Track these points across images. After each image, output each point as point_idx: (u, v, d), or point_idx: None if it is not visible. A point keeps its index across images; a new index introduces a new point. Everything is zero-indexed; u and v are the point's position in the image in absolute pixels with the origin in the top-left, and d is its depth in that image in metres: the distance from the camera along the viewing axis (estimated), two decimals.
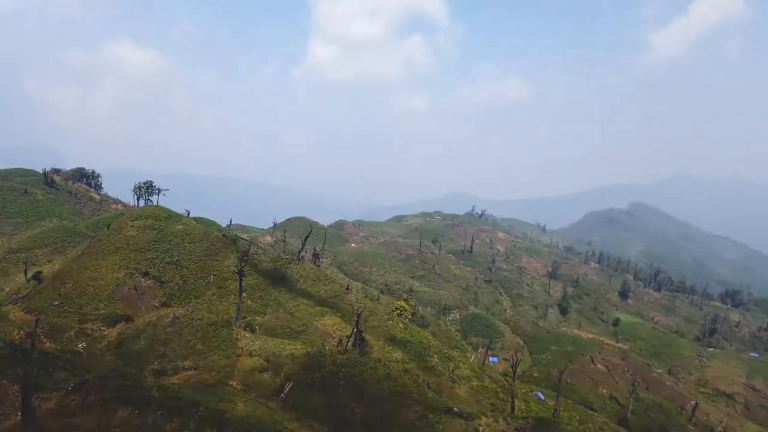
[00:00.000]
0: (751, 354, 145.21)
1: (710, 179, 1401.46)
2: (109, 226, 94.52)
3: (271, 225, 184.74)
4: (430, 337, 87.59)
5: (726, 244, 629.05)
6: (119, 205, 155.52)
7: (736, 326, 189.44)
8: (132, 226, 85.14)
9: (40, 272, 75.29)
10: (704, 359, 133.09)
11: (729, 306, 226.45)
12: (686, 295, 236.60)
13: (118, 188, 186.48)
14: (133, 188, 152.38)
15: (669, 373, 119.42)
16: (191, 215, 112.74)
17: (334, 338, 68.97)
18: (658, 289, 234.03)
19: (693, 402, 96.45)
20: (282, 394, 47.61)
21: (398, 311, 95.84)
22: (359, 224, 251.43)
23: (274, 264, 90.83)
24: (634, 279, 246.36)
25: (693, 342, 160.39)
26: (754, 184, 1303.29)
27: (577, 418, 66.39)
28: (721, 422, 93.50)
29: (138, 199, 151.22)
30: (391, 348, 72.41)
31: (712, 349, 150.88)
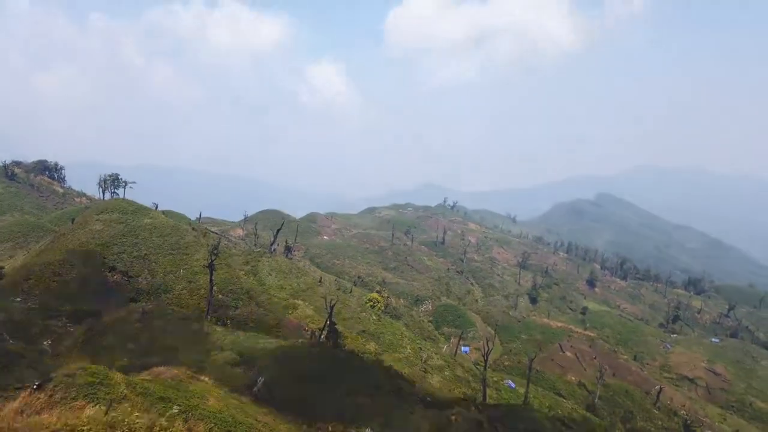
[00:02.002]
0: (712, 339, 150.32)
1: (672, 170, 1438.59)
2: (73, 220, 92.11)
3: (242, 218, 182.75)
4: (403, 329, 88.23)
5: (688, 233, 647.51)
6: (84, 198, 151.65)
7: (698, 313, 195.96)
8: (98, 219, 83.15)
9: (1, 268, 72.94)
10: (668, 345, 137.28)
11: (691, 293, 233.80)
12: (651, 283, 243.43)
13: (82, 181, 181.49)
14: (98, 181, 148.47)
15: (635, 359, 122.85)
16: (159, 208, 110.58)
17: (307, 331, 68.85)
18: (624, 278, 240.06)
19: (657, 387, 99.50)
20: (255, 388, 47.33)
21: (371, 303, 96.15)
22: (331, 216, 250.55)
23: (245, 257, 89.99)
24: (601, 268, 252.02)
25: (657, 328, 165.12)
26: (715, 175, 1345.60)
27: (547, 404, 67.93)
28: (684, 405, 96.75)
29: (103, 192, 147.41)
30: (364, 340, 72.75)
31: (675, 335, 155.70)
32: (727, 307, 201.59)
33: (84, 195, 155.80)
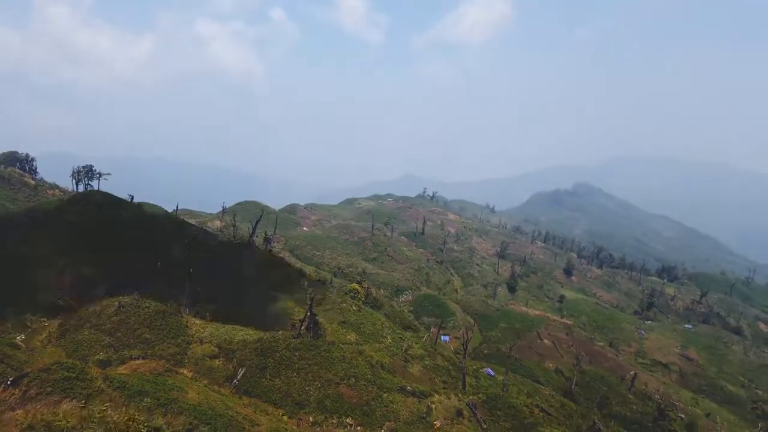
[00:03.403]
0: (686, 326, 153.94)
1: (649, 160, 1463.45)
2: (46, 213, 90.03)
3: (220, 209, 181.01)
4: (383, 319, 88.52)
5: (663, 222, 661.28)
6: (57, 190, 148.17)
7: (672, 300, 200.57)
8: (72, 212, 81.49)
9: None
10: (642, 332, 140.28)
11: (665, 281, 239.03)
12: (626, 271, 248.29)
13: (55, 173, 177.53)
14: (71, 173, 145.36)
15: (610, 345, 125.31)
16: (135, 200, 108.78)
17: (288, 322, 68.66)
18: (600, 266, 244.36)
19: (632, 372, 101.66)
20: (235, 380, 47.21)
21: (351, 294, 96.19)
22: (311, 207, 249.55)
23: (224, 249, 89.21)
24: (578, 257, 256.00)
25: (632, 315, 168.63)
26: (690, 165, 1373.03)
27: (525, 391, 68.89)
28: (658, 390, 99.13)
29: (77, 184, 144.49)
30: (344, 331, 72.83)
31: (649, 321, 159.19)
32: (699, 293, 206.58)
33: (57, 187, 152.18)
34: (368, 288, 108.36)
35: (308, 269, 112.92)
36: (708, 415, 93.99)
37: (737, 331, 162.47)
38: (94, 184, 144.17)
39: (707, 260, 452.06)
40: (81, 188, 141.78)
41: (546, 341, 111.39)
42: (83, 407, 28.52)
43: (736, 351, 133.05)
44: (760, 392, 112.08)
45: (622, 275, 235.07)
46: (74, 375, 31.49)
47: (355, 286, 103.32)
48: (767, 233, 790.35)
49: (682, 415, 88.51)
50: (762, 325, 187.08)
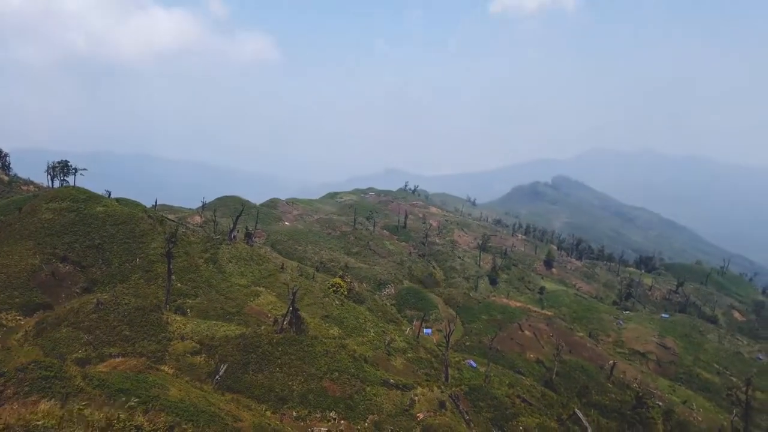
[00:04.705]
0: (662, 315, 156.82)
1: (626, 152, 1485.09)
2: (20, 208, 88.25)
3: (200, 205, 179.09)
4: (366, 312, 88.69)
5: (641, 213, 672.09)
6: (31, 186, 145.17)
7: (649, 290, 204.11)
8: (47, 208, 79.98)
9: None
10: (621, 321, 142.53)
11: (643, 271, 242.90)
12: (605, 262, 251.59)
13: (29, 168, 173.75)
14: (46, 168, 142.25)
15: (590, 335, 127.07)
16: (112, 196, 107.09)
17: (270, 318, 68.41)
18: (580, 258, 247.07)
19: (611, 362, 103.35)
20: (217, 376, 46.91)
21: (334, 288, 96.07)
22: (293, 202, 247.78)
23: (204, 245, 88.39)
24: (558, 249, 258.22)
25: (611, 306, 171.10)
26: (667, 157, 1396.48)
27: (507, 382, 69.66)
28: (636, 379, 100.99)
29: (52, 179, 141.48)
30: (327, 325, 72.83)
31: (627, 311, 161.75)
32: (676, 283, 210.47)
33: (32, 183, 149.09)
34: (351, 282, 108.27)
35: (290, 264, 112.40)
36: (684, 403, 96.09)
37: (712, 320, 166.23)
38: (70, 179, 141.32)
39: (683, 251, 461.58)
40: (57, 184, 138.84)
41: (527, 332, 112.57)
42: (62, 406, 28.13)
43: (711, 339, 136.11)
44: (734, 379, 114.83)
45: (601, 266, 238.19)
46: (52, 374, 31.00)
47: (338, 280, 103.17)
48: (741, 223, 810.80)
49: (660, 403, 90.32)
50: (736, 314, 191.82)
